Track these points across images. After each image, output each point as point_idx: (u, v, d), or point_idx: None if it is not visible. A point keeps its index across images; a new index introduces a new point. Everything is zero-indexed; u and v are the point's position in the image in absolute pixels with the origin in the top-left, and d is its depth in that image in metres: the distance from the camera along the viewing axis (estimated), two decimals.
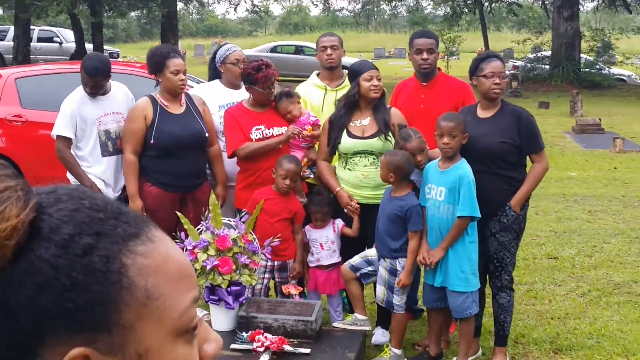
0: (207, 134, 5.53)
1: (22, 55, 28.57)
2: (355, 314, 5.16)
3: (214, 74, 6.09)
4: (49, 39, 31.74)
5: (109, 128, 5.63)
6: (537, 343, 5.43)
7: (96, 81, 5.55)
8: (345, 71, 5.65)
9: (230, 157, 5.49)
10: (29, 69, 9.87)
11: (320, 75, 5.90)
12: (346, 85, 5.56)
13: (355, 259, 5.12)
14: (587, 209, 9.58)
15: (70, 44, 31.13)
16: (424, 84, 5.59)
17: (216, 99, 5.83)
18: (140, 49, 54.77)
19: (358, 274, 5.11)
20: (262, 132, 5.40)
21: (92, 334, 0.80)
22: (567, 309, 6.13)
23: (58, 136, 5.59)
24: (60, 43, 31.79)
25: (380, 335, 5.28)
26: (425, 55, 5.47)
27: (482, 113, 5.00)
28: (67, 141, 5.58)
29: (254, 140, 5.37)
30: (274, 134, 5.41)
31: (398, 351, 5.08)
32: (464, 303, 4.80)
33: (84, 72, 5.56)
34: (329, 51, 5.74)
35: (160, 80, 5.48)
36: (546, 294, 6.40)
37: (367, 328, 5.18)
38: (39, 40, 30.98)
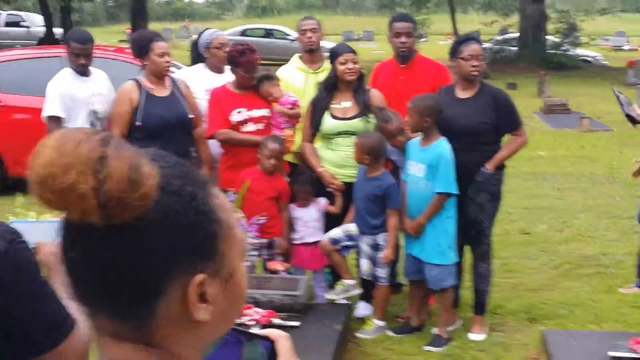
0: (191, 116, 5.66)
1: None
2: (344, 280, 5.28)
3: (197, 58, 6.18)
4: (16, 24, 31.38)
5: (96, 108, 5.68)
6: (513, 313, 5.62)
7: (88, 49, 5.67)
8: (326, 54, 5.78)
9: (208, 138, 5.63)
10: (6, 54, 9.85)
11: (302, 58, 6.02)
12: (326, 68, 5.67)
13: (336, 232, 5.23)
14: (557, 187, 9.79)
15: (38, 28, 30.77)
16: (402, 65, 5.73)
17: (202, 83, 5.92)
18: (107, 32, 54.04)
19: (338, 246, 5.24)
20: (242, 114, 5.52)
21: (203, 263, 0.98)
22: (540, 281, 6.33)
23: (49, 117, 5.61)
24: (28, 27, 31.43)
25: (363, 309, 5.46)
26: (403, 39, 5.62)
27: (461, 94, 5.16)
28: (58, 121, 5.59)
29: (233, 122, 5.50)
30: (255, 116, 5.54)
31: (381, 323, 5.27)
32: (439, 275, 4.99)
33: (75, 44, 5.65)
34: (309, 34, 5.84)
35: (146, 63, 5.57)
36: (520, 267, 6.59)
37: (358, 291, 5.34)
38: (7, 24, 30.60)
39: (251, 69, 5.53)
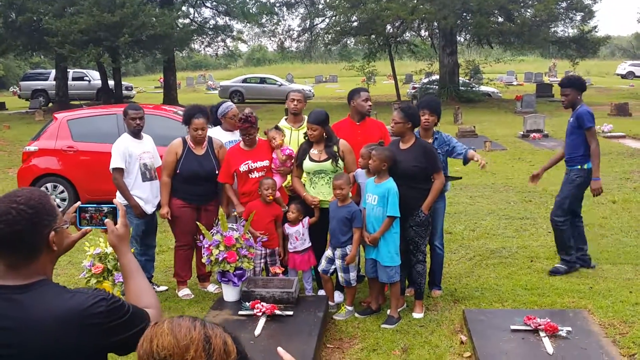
0: (217, 172, 5.64)
1: (62, 91, 27.85)
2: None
3: (215, 121, 6.18)
4: (81, 78, 30.94)
5: (146, 162, 5.71)
6: (441, 297, 5.63)
7: (141, 113, 5.71)
8: (305, 116, 5.80)
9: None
10: (75, 113, 9.75)
11: (287, 119, 6.03)
12: (304, 127, 5.69)
13: (322, 264, 5.30)
14: (469, 195, 9.74)
15: (97, 82, 30.45)
16: (358, 123, 5.79)
17: (220, 139, 5.94)
18: (146, 80, 53.65)
19: (328, 275, 5.33)
20: (248, 165, 5.52)
21: None
22: (460, 270, 6.31)
23: (114, 169, 5.61)
24: (89, 81, 31.06)
25: (337, 297, 5.51)
26: (369, 103, 5.80)
27: (402, 146, 5.24)
28: (121, 171, 5.62)
29: (242, 171, 5.49)
30: (258, 166, 5.53)
31: (350, 307, 5.32)
32: (390, 272, 5.06)
33: (132, 111, 5.68)
34: (295, 102, 5.87)
35: (188, 130, 5.65)
36: (446, 260, 6.38)
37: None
38: (73, 79, 30.17)
39: (245, 134, 5.50)
